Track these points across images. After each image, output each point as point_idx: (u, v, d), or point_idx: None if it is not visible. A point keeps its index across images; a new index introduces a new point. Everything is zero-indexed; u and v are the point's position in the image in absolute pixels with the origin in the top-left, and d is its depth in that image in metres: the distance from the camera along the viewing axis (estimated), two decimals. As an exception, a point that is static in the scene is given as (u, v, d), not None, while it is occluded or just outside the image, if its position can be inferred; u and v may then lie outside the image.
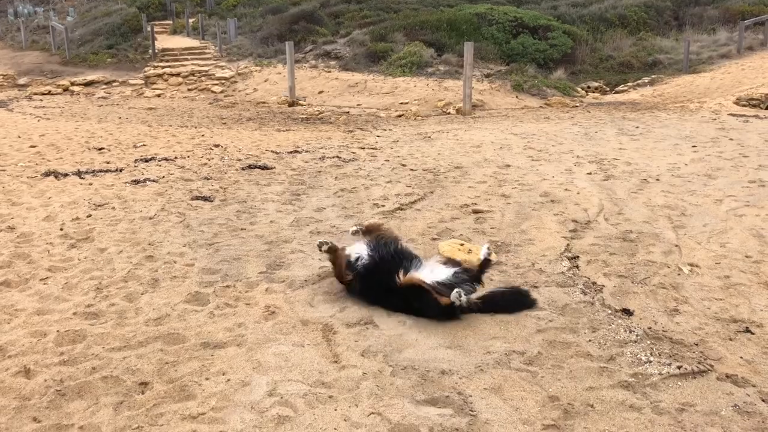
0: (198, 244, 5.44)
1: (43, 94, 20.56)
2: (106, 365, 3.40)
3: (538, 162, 8.89)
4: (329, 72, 20.82)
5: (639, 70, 22.22)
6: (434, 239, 5.52)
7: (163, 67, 22.44)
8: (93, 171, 8.42)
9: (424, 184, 7.64)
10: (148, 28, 25.75)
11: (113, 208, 6.62)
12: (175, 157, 9.43)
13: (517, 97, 18.02)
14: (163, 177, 8.07)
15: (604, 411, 2.95)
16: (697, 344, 3.56)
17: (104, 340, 3.70)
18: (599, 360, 3.40)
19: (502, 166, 8.65)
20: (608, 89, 21.13)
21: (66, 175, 8.14)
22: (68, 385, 3.20)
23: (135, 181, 7.83)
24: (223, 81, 21.19)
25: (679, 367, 3.29)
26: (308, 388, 3.15)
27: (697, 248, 5.17)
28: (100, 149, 10.14)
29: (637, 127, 12.10)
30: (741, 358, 3.41)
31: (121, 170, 8.51)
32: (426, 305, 3.84)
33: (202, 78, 21.59)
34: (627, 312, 3.99)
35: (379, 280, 4.04)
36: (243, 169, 8.62)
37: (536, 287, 4.42)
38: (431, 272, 3.98)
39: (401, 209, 6.55)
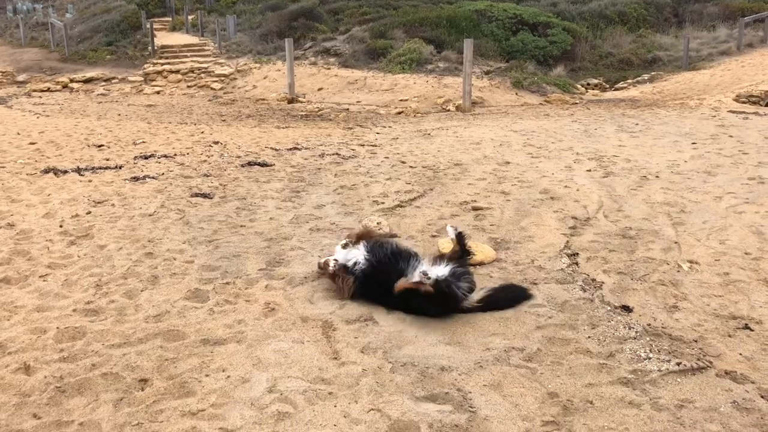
0: (197, 241, 5.44)
1: (42, 91, 20.54)
2: (105, 362, 3.40)
3: (537, 159, 8.88)
4: (329, 69, 20.80)
5: (639, 67, 22.24)
6: (434, 236, 5.52)
7: (163, 64, 22.42)
8: (92, 168, 8.41)
9: (424, 181, 7.64)
10: (148, 25, 25.74)
11: (113, 205, 6.62)
12: (175, 154, 9.42)
13: (516, 94, 18.01)
14: (163, 174, 8.06)
15: (603, 407, 2.95)
16: (696, 341, 3.56)
17: (104, 336, 3.70)
18: (598, 356, 3.41)
19: (502, 163, 8.65)
20: (608, 86, 21.13)
21: (65, 172, 8.14)
22: (68, 382, 3.20)
23: (134, 178, 7.83)
24: (223, 78, 21.17)
25: (678, 364, 3.29)
26: (308, 385, 3.15)
27: (696, 245, 5.17)
28: (100, 146, 10.14)
29: (637, 124, 12.10)
30: (740, 354, 3.41)
31: (120, 167, 8.51)
32: (424, 303, 3.85)
33: (202, 75, 21.58)
34: (626, 309, 3.99)
35: (378, 282, 4.04)
36: (242, 166, 8.61)
37: (536, 284, 4.42)
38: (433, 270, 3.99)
39: (401, 206, 6.55)
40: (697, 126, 11.48)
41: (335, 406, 2.98)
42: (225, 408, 2.97)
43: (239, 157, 9.27)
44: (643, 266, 4.73)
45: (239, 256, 5.03)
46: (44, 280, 4.57)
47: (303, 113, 15.64)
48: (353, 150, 9.85)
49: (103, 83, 21.59)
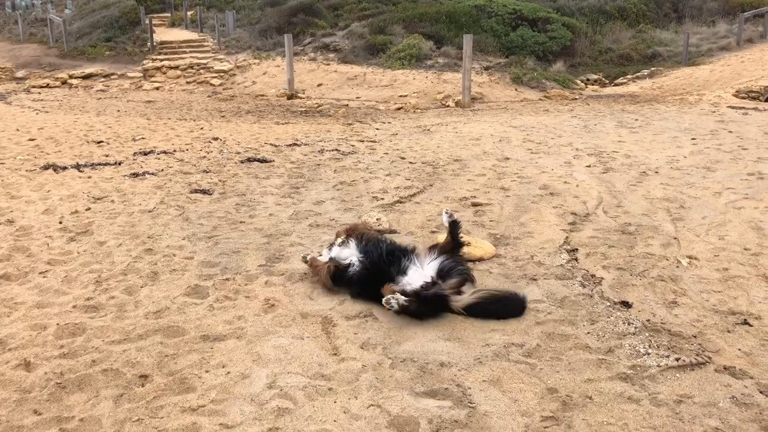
0: (197, 237, 5.44)
1: (42, 87, 20.51)
2: (106, 358, 3.41)
3: (537, 155, 8.88)
4: (328, 65, 20.77)
5: (638, 63, 22.20)
6: (433, 232, 5.52)
7: (162, 60, 22.38)
8: (92, 164, 8.41)
9: (423, 177, 7.64)
10: (147, 21, 25.69)
11: (112, 201, 6.62)
12: (174, 150, 9.42)
13: (516, 89, 17.99)
14: (162, 170, 8.06)
15: (602, 403, 2.96)
16: (695, 336, 3.57)
17: (104, 333, 3.71)
18: (598, 352, 3.41)
19: (501, 158, 8.65)
20: (607, 82, 21.11)
21: (65, 168, 8.13)
22: (68, 378, 3.21)
23: (134, 174, 7.83)
24: (222, 74, 21.13)
25: (677, 359, 3.30)
26: (308, 381, 3.16)
27: (695, 241, 5.18)
28: (99, 142, 10.13)
29: (637, 119, 12.09)
30: (739, 350, 3.42)
31: (120, 163, 8.50)
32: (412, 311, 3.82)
33: (201, 71, 21.54)
34: (626, 304, 4.00)
35: (374, 284, 4.01)
36: (242, 162, 8.61)
37: (535, 280, 4.43)
38: (417, 274, 3.95)
39: (400, 202, 6.55)
40: (696, 121, 11.47)
41: (335, 402, 2.98)
42: (225, 404, 2.98)
43: (238, 153, 9.26)
44: (643, 262, 4.73)
45: (239, 252, 5.04)
46: (44, 277, 4.58)
47: (302, 109, 15.63)
48: (353, 146, 9.85)
49: (102, 79, 21.56)
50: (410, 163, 8.49)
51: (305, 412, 2.91)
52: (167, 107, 15.82)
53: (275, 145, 9.89)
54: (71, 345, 3.56)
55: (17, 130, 11.32)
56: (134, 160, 8.75)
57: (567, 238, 5.33)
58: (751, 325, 3.70)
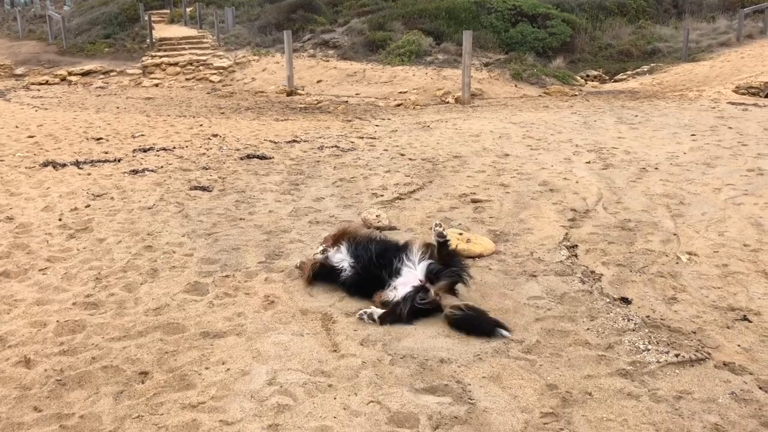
0: (197, 234, 5.44)
1: (41, 84, 20.48)
2: (106, 355, 3.41)
3: (536, 151, 8.88)
4: (327, 61, 20.74)
5: (638, 59, 22.16)
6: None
7: (161, 57, 22.34)
8: (91, 161, 8.40)
9: (423, 174, 7.63)
10: (146, 18, 25.62)
11: (112, 198, 6.62)
12: (174, 147, 9.41)
13: (515, 85, 17.97)
14: (162, 167, 8.06)
15: (602, 399, 2.96)
16: (694, 332, 3.57)
17: (104, 330, 3.71)
18: (597, 348, 3.42)
19: (501, 155, 8.64)
20: (607, 78, 21.07)
21: (64, 165, 8.13)
22: (68, 375, 3.21)
23: (133, 171, 7.82)
24: (221, 70, 21.10)
25: (676, 355, 3.30)
26: (308, 377, 3.16)
27: (695, 237, 5.18)
28: (98, 139, 10.12)
29: (636, 115, 12.08)
30: (738, 346, 3.42)
31: (119, 160, 8.50)
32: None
33: (200, 67, 21.50)
34: (625, 300, 4.00)
35: (368, 288, 4.02)
36: (241, 158, 8.60)
37: (535, 276, 4.43)
38: (410, 274, 3.92)
39: (400, 199, 6.55)
40: (696, 118, 11.46)
41: (335, 399, 2.99)
42: (225, 400, 2.98)
43: (238, 149, 9.26)
44: (642, 258, 4.74)
45: (238, 249, 5.04)
46: (44, 274, 4.58)
47: (302, 106, 15.62)
48: (352, 142, 9.84)
49: (102, 76, 21.52)
50: (410, 159, 8.48)
51: (305, 409, 2.91)
52: (166, 104, 15.80)
53: (275, 142, 9.88)
54: (71, 342, 3.56)
55: (16, 127, 11.31)
56: (134, 157, 8.74)
57: (567, 234, 5.33)
58: (750, 321, 3.70)
